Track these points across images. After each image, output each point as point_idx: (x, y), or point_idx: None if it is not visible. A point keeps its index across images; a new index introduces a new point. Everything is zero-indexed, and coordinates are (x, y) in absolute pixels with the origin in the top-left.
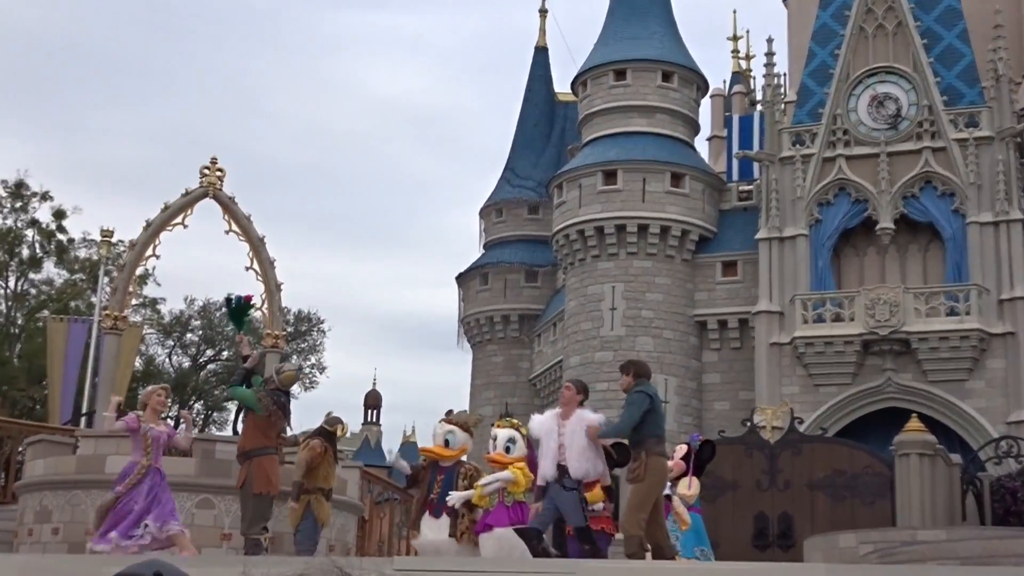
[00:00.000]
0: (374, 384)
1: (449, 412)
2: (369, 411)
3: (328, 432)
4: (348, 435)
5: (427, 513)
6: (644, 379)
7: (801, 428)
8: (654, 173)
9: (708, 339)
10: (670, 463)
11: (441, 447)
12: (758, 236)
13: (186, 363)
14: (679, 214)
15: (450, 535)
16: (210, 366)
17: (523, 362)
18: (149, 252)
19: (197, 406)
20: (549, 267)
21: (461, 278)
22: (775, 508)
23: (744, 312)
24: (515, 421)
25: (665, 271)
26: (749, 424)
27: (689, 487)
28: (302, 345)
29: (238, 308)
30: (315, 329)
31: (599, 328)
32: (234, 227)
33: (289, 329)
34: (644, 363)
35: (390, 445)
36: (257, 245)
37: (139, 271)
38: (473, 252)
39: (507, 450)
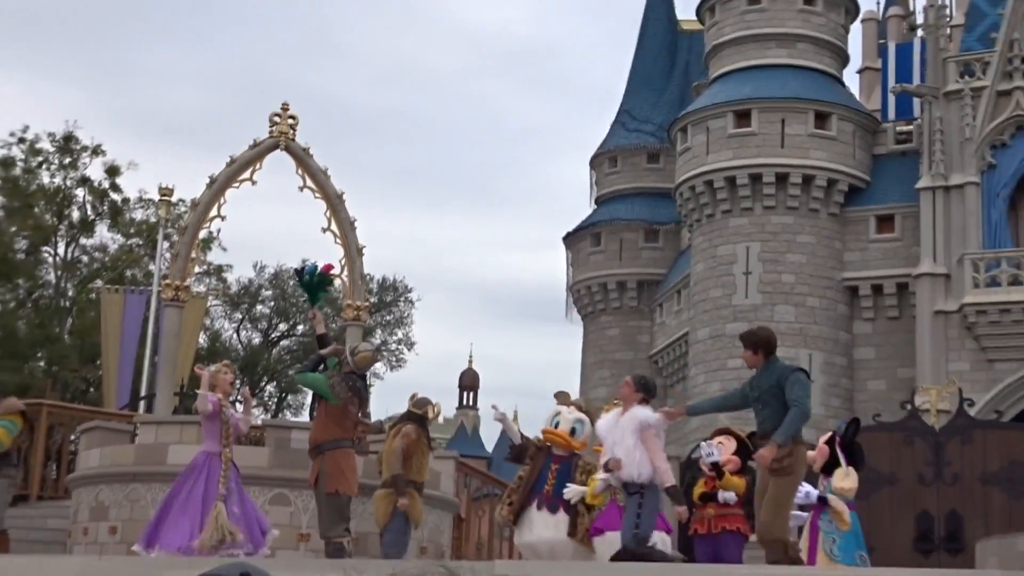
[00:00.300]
0: (470, 362)
1: (560, 394)
2: (465, 393)
3: (418, 416)
4: (440, 420)
5: (537, 507)
6: (773, 354)
7: (972, 412)
8: (795, 113)
9: (860, 307)
10: (812, 453)
11: (568, 435)
12: (919, 185)
13: (256, 339)
14: (825, 160)
15: (568, 534)
16: (284, 342)
17: (642, 335)
18: (213, 212)
19: (269, 388)
20: (672, 225)
21: (570, 239)
22: (941, 506)
23: (903, 275)
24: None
25: (809, 228)
26: (909, 407)
27: (850, 479)
28: (387, 318)
29: (313, 279)
30: (402, 299)
31: (731, 296)
32: (309, 183)
33: (372, 299)
34: (769, 333)
35: (489, 432)
36: (335, 203)
37: (202, 234)
38: (583, 208)
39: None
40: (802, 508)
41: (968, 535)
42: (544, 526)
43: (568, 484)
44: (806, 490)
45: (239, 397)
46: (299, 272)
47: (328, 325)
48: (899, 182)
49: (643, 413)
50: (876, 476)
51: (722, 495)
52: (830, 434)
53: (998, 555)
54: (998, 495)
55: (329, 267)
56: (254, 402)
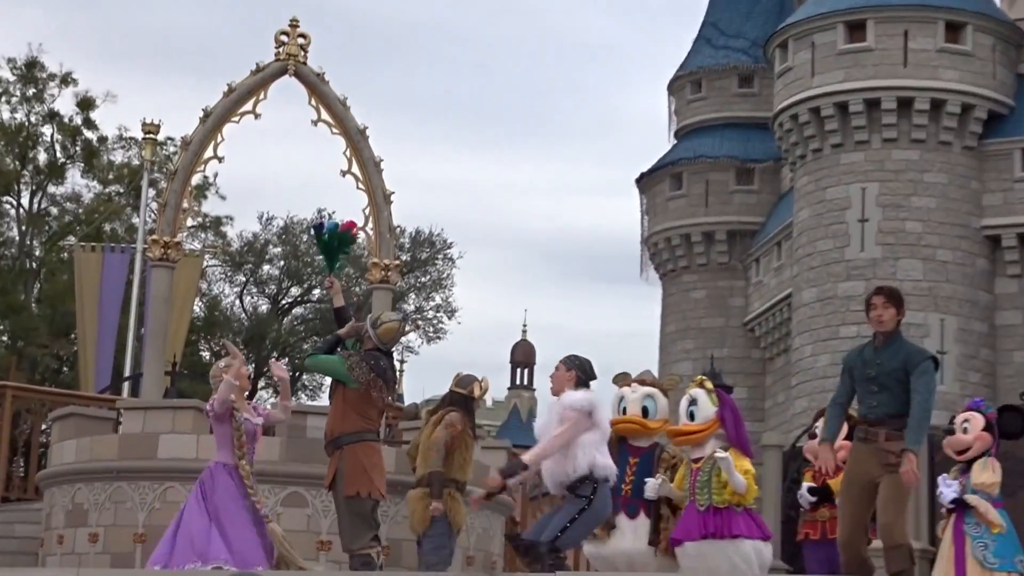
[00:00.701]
0: (524, 333)
1: (620, 377)
2: (518, 370)
3: (462, 399)
4: (488, 402)
5: (613, 510)
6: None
7: None
8: (921, 24)
9: (1003, 261)
10: (968, 436)
11: (640, 417)
12: None
13: (263, 306)
14: (958, 81)
15: (649, 543)
16: (296, 310)
17: (735, 298)
18: (209, 153)
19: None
20: (770, 162)
21: (644, 181)
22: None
23: None
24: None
25: (939, 164)
26: None
27: (992, 472)
28: (422, 279)
29: (333, 239)
30: (440, 257)
31: (843, 249)
32: (324, 115)
33: (404, 257)
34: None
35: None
36: (356, 140)
37: (195, 180)
38: (661, 144)
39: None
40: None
41: None
42: (621, 534)
43: (647, 479)
44: (941, 489)
45: (274, 376)
46: (316, 229)
47: (349, 296)
48: None
49: (569, 396)
50: (1022, 469)
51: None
52: (983, 419)
53: None
54: None
55: (352, 224)
56: (261, 383)
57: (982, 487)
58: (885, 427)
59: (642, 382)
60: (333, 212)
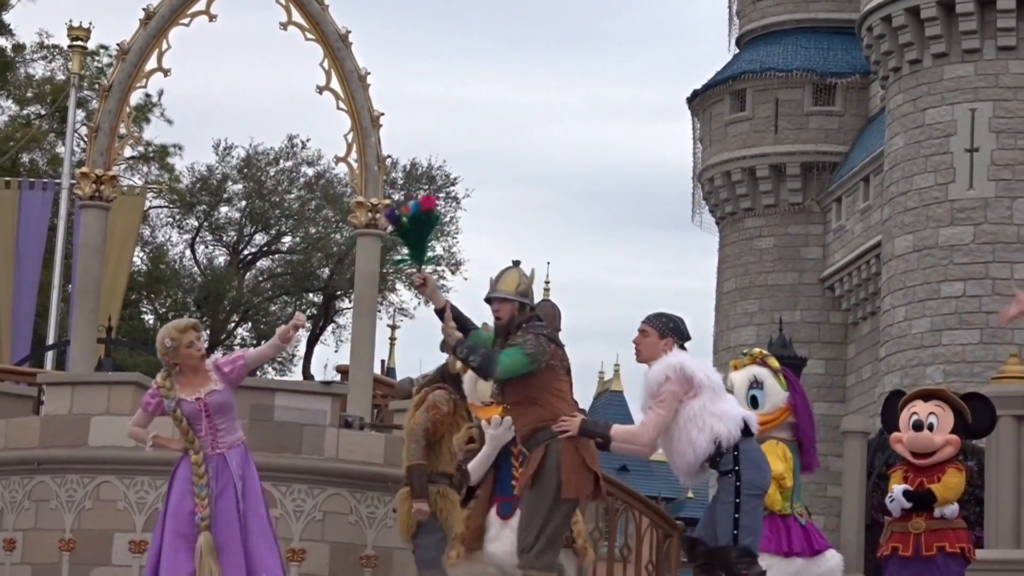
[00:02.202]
0: (546, 292)
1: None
2: None
3: (455, 373)
4: None
5: None
6: None
7: None
8: None
9: None
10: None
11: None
12: None
13: (220, 258)
14: None
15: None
16: (261, 262)
17: (810, 248)
18: (152, 65)
19: (241, 331)
20: (855, 77)
21: (699, 101)
22: None
23: None
24: (760, 351)
25: None
26: None
27: None
28: None
29: (416, 222)
30: (442, 196)
31: (946, 186)
32: (296, 16)
33: (396, 196)
34: None
35: (577, 395)
36: (337, 48)
37: (135, 99)
38: (719, 55)
39: (753, 403)
40: None
41: None
42: (494, 537)
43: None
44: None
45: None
46: (392, 219)
47: (327, 245)
48: None
49: (659, 365)
50: None
51: (940, 510)
52: None
53: None
54: None
55: (431, 200)
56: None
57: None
58: None
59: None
60: (414, 199)
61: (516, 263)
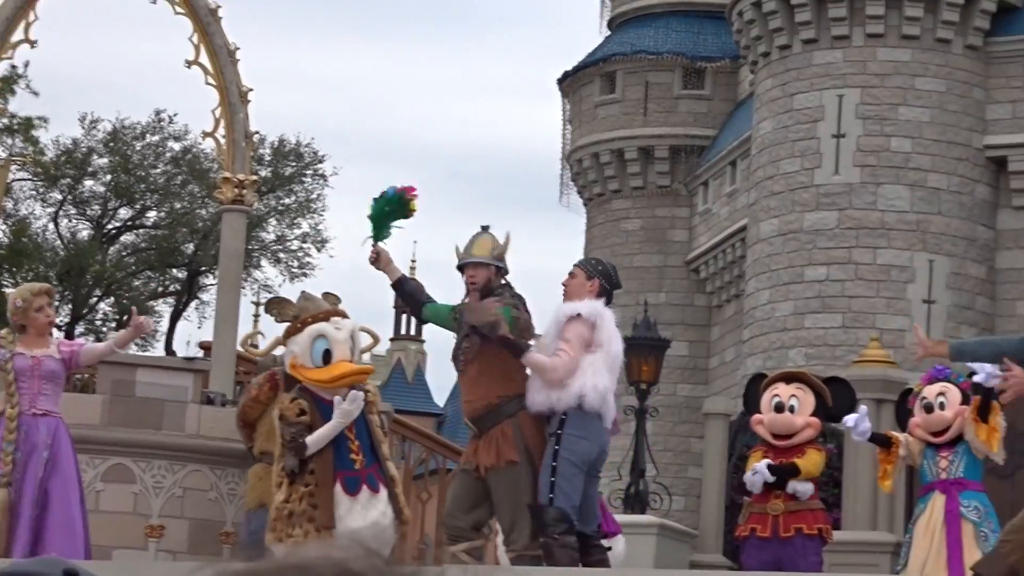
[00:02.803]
0: (412, 271)
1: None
2: (404, 317)
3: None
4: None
5: None
6: None
7: None
8: None
9: (1009, 189)
10: (948, 412)
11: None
12: None
13: (84, 231)
14: None
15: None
16: (125, 237)
17: (676, 230)
18: (18, 36)
19: (104, 306)
20: (724, 61)
21: (569, 83)
22: None
23: None
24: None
25: (935, 67)
26: None
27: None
28: (286, 201)
29: (391, 207)
30: (309, 173)
31: (813, 171)
32: None
33: (263, 173)
34: None
35: (439, 376)
36: (206, 22)
37: (0, 70)
38: (591, 37)
39: None
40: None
41: None
42: (362, 512)
43: None
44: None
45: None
46: (383, 196)
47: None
48: None
49: (571, 305)
50: None
51: (794, 486)
52: (956, 390)
53: None
54: None
55: (410, 191)
56: (80, 329)
57: (986, 446)
58: None
59: None
60: (393, 186)
61: (486, 228)
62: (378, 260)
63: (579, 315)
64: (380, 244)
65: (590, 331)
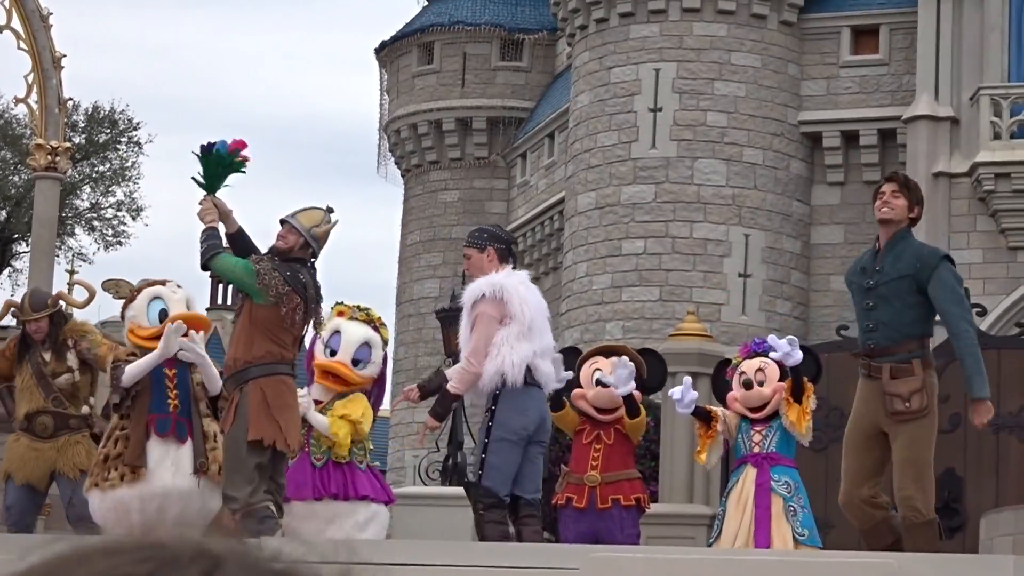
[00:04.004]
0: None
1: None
2: (220, 286)
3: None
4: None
5: None
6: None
7: (982, 324)
8: None
9: (823, 165)
10: (767, 389)
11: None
12: None
13: None
14: None
15: (195, 471)
16: None
17: (494, 202)
18: None
19: None
20: (542, 33)
21: (386, 52)
22: (935, 463)
23: (889, 118)
24: (375, 314)
25: (750, 43)
26: None
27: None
28: (100, 168)
29: (218, 161)
30: (124, 140)
31: (630, 144)
32: None
33: (77, 139)
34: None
35: None
36: None
37: None
38: (408, 6)
39: (356, 363)
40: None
41: (970, 504)
42: (160, 467)
43: None
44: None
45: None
46: (208, 147)
47: (4, 188)
48: None
49: (481, 282)
50: (839, 418)
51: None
52: (774, 364)
53: (1013, 534)
54: (1017, 447)
55: (240, 145)
56: None
57: (794, 427)
58: (889, 359)
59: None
60: (221, 140)
61: (330, 210)
62: (208, 211)
63: (482, 296)
64: (214, 196)
65: (496, 307)
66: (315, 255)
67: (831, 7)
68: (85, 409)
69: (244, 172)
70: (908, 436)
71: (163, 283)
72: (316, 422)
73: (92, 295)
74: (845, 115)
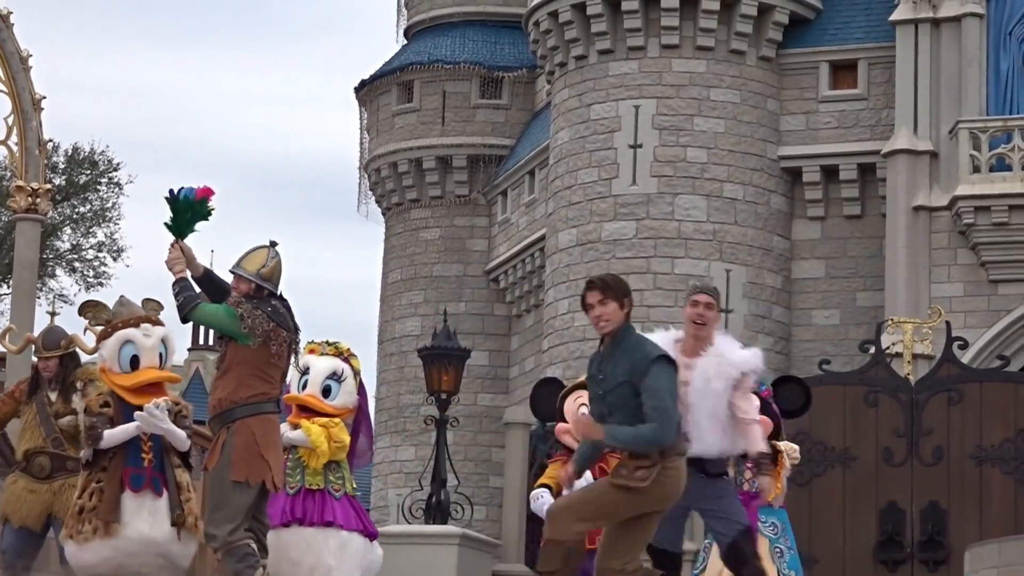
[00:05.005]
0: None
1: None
2: (201, 328)
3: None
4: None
5: None
6: (629, 322)
7: (963, 357)
8: None
9: (804, 199)
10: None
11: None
12: (895, 17)
13: None
14: None
15: (173, 522)
16: None
17: (475, 240)
18: None
19: None
20: (522, 71)
21: (366, 91)
22: (918, 496)
23: (869, 152)
24: (344, 346)
25: (730, 78)
26: (873, 350)
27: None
28: (81, 209)
29: (188, 207)
30: (104, 181)
31: (610, 181)
32: None
33: (57, 181)
34: (624, 282)
35: None
36: None
37: None
38: (387, 45)
39: (327, 392)
40: None
41: (953, 538)
42: (137, 518)
43: None
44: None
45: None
46: (172, 197)
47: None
48: (864, 12)
49: (736, 354)
50: (822, 452)
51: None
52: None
53: (997, 567)
54: (1000, 480)
55: (208, 192)
56: None
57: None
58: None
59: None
60: (189, 187)
61: (273, 244)
62: (177, 258)
63: (753, 372)
64: (182, 242)
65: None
66: (272, 295)
67: (809, 42)
68: (84, 452)
69: (208, 220)
70: (618, 501)
71: (138, 323)
72: (294, 437)
73: None
74: (825, 150)
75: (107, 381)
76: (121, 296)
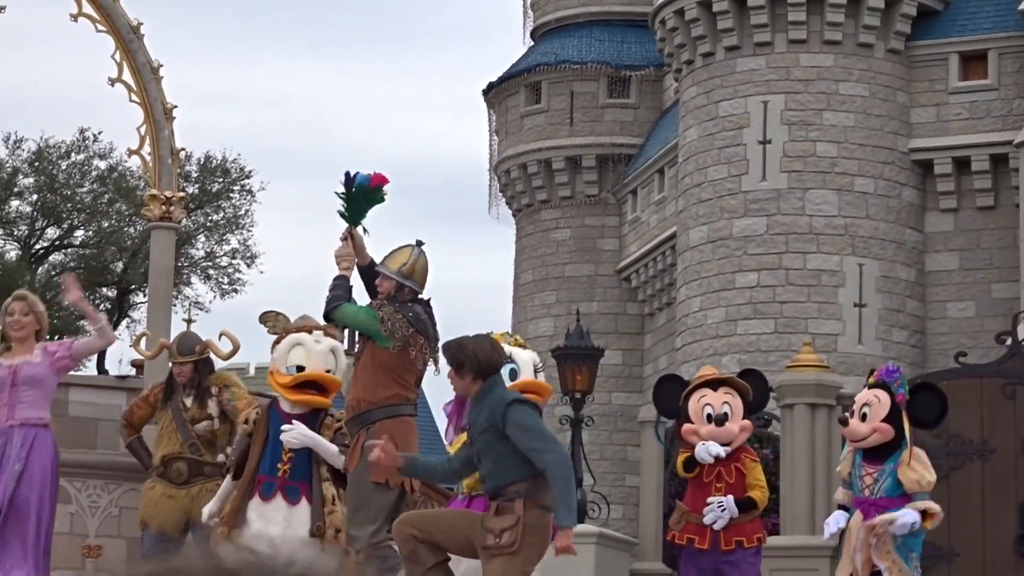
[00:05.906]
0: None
1: (299, 320)
2: (346, 332)
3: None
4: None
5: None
6: (494, 375)
7: None
8: None
9: (936, 192)
10: (864, 427)
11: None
12: (1023, 7)
13: (12, 252)
14: None
15: (312, 533)
16: (53, 256)
17: (606, 239)
18: None
19: None
20: (650, 69)
21: (494, 94)
22: None
23: (1000, 143)
24: (518, 337)
25: (858, 72)
26: (1009, 342)
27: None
28: (214, 217)
29: (362, 193)
30: (236, 189)
31: (740, 177)
32: (87, 8)
33: (190, 189)
34: (481, 343)
35: None
36: (128, 40)
37: None
38: (515, 47)
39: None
40: None
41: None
42: (267, 524)
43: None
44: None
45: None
46: (348, 180)
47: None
48: (993, 2)
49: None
50: (960, 445)
51: (721, 500)
52: (884, 395)
53: None
54: None
55: (382, 179)
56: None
57: (915, 485)
58: (499, 499)
59: (327, 332)
60: (363, 172)
61: (419, 243)
62: (351, 237)
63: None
64: (354, 229)
65: None
66: (417, 293)
67: (938, 34)
68: (221, 457)
69: (384, 202)
70: (494, 571)
71: (311, 330)
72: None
73: (236, 348)
74: (956, 141)
75: (271, 383)
76: (304, 315)
